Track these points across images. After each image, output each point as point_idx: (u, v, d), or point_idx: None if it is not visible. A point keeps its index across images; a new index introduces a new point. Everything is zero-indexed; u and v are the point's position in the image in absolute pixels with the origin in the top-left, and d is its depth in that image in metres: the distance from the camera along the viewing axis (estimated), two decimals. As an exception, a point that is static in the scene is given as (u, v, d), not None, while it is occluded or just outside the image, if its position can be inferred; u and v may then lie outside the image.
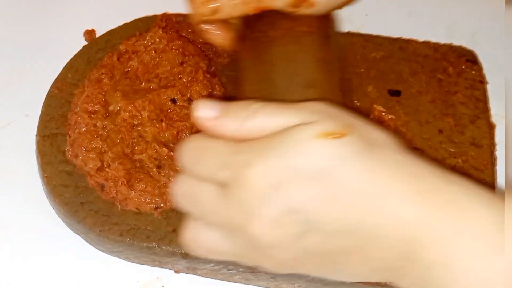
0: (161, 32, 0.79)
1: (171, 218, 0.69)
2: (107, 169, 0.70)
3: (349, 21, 0.94)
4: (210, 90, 0.75)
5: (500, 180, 0.75)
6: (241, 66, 0.72)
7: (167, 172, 0.69)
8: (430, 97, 0.79)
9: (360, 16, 0.95)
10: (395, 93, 0.79)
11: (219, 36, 0.75)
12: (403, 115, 0.77)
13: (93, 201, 0.70)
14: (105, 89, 0.76)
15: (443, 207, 0.45)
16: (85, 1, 0.95)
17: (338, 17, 0.94)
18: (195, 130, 0.72)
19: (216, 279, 0.71)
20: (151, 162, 0.70)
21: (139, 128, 0.71)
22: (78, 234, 0.72)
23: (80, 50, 0.83)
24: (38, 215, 0.74)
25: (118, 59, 0.79)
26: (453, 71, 0.82)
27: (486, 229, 0.44)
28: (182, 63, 0.77)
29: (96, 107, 0.75)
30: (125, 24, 0.85)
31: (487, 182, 0.73)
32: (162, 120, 0.72)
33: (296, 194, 0.45)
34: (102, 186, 0.71)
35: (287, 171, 0.45)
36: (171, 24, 0.83)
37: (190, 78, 0.75)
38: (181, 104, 0.74)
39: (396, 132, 0.75)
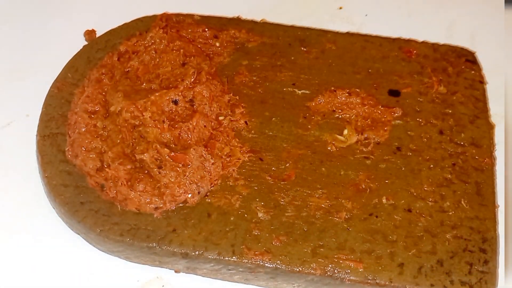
0: (161, 32, 0.79)
1: (171, 218, 0.69)
2: (107, 169, 0.70)
3: (349, 21, 0.94)
4: (212, 91, 0.75)
5: (500, 180, 0.75)
6: None
7: (168, 172, 0.69)
8: (429, 97, 0.79)
9: (360, 16, 0.95)
10: (395, 93, 0.79)
11: None
12: (402, 115, 0.77)
13: (94, 201, 0.70)
14: (105, 89, 0.76)
15: None
16: (85, 1, 0.95)
17: (338, 17, 0.95)
18: (197, 131, 0.72)
19: (216, 279, 0.71)
20: (152, 163, 0.70)
21: (141, 129, 0.71)
22: (78, 234, 0.72)
23: (80, 50, 0.83)
24: (38, 215, 0.75)
25: (118, 59, 0.79)
26: (453, 71, 0.82)
27: None
28: (183, 64, 0.77)
29: (96, 107, 0.75)
30: (125, 24, 0.85)
31: (487, 182, 0.73)
32: (163, 121, 0.72)
33: None
34: (102, 186, 0.71)
35: None
36: (171, 23, 0.83)
37: (192, 80, 0.75)
38: (183, 105, 0.74)
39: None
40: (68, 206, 0.70)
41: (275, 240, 0.68)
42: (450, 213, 0.71)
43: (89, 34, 0.88)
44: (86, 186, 0.72)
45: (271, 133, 0.76)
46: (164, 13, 0.85)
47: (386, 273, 0.66)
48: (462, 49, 0.84)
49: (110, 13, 0.92)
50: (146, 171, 0.70)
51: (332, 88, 0.79)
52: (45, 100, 0.78)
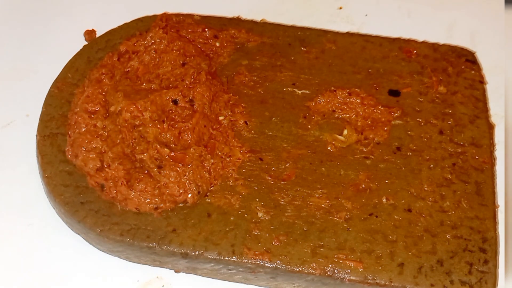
0: (161, 32, 0.79)
1: (171, 218, 0.69)
2: (107, 169, 0.70)
3: (349, 21, 0.94)
4: (211, 91, 0.75)
5: (500, 180, 0.75)
6: None
7: (167, 172, 0.69)
8: (429, 97, 0.79)
9: (360, 16, 0.95)
10: (395, 93, 0.79)
11: None
12: (402, 115, 0.77)
13: (94, 201, 0.71)
14: (105, 89, 0.76)
15: None
16: (85, 1, 0.95)
17: (338, 17, 0.95)
18: (197, 131, 0.72)
19: (216, 279, 0.71)
20: (152, 162, 0.70)
21: (140, 129, 0.71)
22: (78, 233, 0.72)
23: (80, 49, 0.83)
24: (38, 215, 0.75)
25: (118, 59, 0.79)
26: (453, 71, 0.82)
27: None
28: (183, 64, 0.77)
29: (96, 107, 0.75)
30: (125, 24, 0.85)
31: (487, 182, 0.73)
32: (163, 121, 0.72)
33: None
34: (102, 186, 0.71)
35: None
36: (171, 24, 0.83)
37: (192, 80, 0.75)
38: (182, 105, 0.74)
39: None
40: (68, 206, 0.71)
41: (275, 240, 0.68)
42: (450, 213, 0.71)
43: (89, 34, 0.88)
44: (86, 186, 0.72)
45: (271, 133, 0.76)
46: (164, 13, 0.85)
47: (386, 273, 0.66)
48: (462, 49, 0.84)
49: (110, 13, 0.92)
50: (146, 171, 0.70)
51: (332, 88, 0.79)
52: (45, 100, 0.78)
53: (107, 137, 0.72)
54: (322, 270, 0.66)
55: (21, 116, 0.82)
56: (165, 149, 0.70)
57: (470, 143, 0.76)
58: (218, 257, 0.67)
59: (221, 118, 0.75)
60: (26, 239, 0.73)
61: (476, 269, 0.67)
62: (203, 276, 0.71)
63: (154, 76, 0.77)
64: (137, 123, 0.72)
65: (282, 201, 0.70)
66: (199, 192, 0.70)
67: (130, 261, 0.72)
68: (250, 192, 0.71)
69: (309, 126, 0.76)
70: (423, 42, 0.85)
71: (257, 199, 0.70)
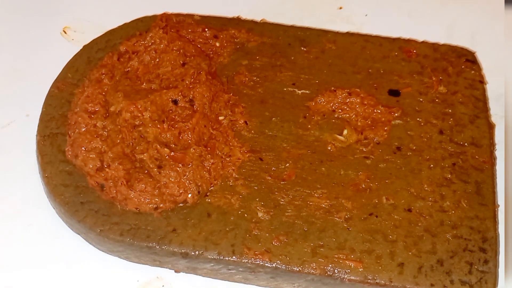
0: (161, 32, 0.79)
1: (171, 218, 0.69)
2: (107, 169, 0.70)
3: (349, 21, 0.94)
4: (211, 91, 0.75)
5: (500, 180, 0.75)
6: None
7: (167, 172, 0.69)
8: (429, 97, 0.79)
9: (360, 16, 0.95)
10: (395, 93, 0.79)
11: None
12: (402, 115, 0.77)
13: (94, 201, 0.71)
14: (105, 89, 0.76)
15: None
16: (85, 1, 0.95)
17: (338, 17, 0.95)
18: (197, 131, 0.72)
19: (216, 278, 0.71)
20: (152, 162, 0.70)
21: (140, 129, 0.71)
22: (78, 234, 0.72)
23: (80, 50, 0.83)
24: (38, 215, 0.75)
25: (118, 59, 0.79)
26: (453, 71, 0.82)
27: None
28: (183, 64, 0.77)
29: (96, 107, 0.75)
30: (125, 24, 0.85)
31: (487, 182, 0.73)
32: (163, 121, 0.72)
33: None
34: (102, 186, 0.71)
35: None
36: (171, 24, 0.83)
37: (192, 80, 0.75)
38: (182, 105, 0.74)
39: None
40: (68, 206, 0.71)
41: (275, 240, 0.68)
42: (450, 213, 0.71)
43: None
44: (86, 186, 0.72)
45: (271, 133, 0.76)
46: (164, 13, 0.85)
47: (386, 272, 0.66)
48: (462, 49, 0.85)
49: (110, 13, 0.92)
50: (146, 171, 0.70)
51: (332, 88, 0.79)
52: (45, 100, 0.78)
53: (107, 137, 0.72)
54: (322, 270, 0.66)
55: (21, 116, 0.82)
56: (165, 149, 0.70)
57: (470, 143, 0.76)
58: (218, 257, 0.67)
59: (221, 118, 0.75)
60: (26, 239, 0.73)
61: (476, 269, 0.67)
62: (203, 276, 0.72)
63: (154, 76, 0.77)
64: (137, 123, 0.72)
65: (282, 201, 0.70)
66: (199, 192, 0.70)
67: (130, 261, 0.72)
68: (250, 192, 0.71)
69: (309, 126, 0.76)
70: (423, 42, 0.85)
71: (257, 199, 0.70)
